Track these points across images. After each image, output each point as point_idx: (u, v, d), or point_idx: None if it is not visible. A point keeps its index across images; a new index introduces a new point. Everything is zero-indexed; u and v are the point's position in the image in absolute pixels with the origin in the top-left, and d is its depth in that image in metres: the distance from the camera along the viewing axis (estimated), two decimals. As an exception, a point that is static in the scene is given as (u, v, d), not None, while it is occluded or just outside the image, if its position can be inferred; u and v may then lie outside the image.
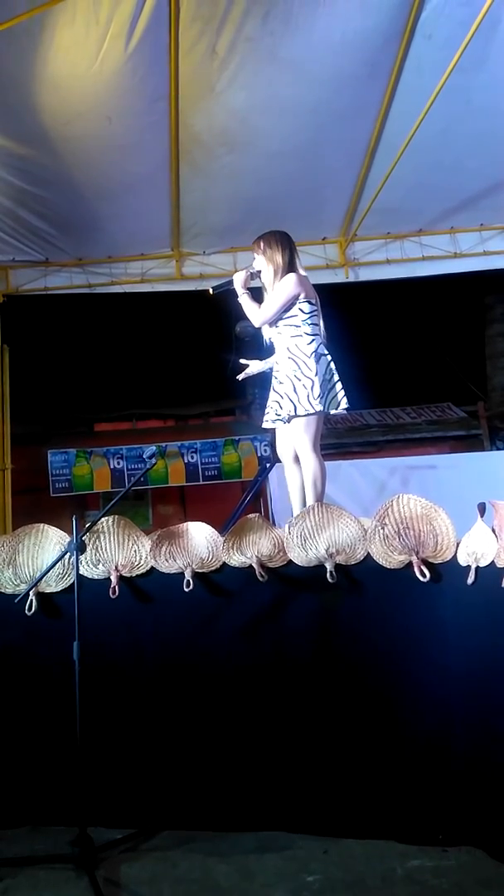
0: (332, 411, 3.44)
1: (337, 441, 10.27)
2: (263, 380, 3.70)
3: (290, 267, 3.48)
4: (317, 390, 3.29)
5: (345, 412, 3.51)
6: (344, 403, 3.42)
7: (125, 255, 6.66)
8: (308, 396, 3.30)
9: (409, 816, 2.71)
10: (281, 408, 3.40)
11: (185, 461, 9.07)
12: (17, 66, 4.26)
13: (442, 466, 7.27)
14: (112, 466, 8.92)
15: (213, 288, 3.62)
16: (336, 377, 3.44)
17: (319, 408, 3.30)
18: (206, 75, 4.61)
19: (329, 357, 3.45)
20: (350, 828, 2.72)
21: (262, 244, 3.53)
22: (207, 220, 6.26)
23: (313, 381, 3.30)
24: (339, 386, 3.43)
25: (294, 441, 3.44)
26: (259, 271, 3.52)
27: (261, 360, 3.71)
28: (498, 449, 9.88)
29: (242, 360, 3.74)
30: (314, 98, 4.85)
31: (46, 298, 6.93)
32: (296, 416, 3.35)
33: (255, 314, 3.47)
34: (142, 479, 8.06)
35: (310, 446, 3.36)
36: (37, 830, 2.85)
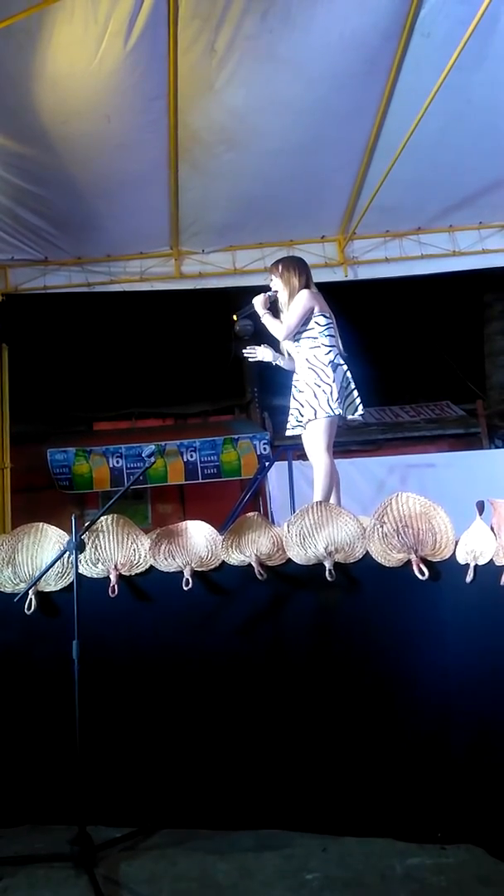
0: (350, 416, 3.65)
1: (336, 439, 10.25)
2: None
3: (305, 286, 3.71)
4: (336, 395, 3.50)
5: (361, 418, 3.73)
6: (360, 409, 3.66)
7: (124, 254, 6.66)
8: (328, 401, 3.50)
9: (407, 814, 2.71)
10: (302, 415, 3.60)
11: (185, 460, 9.06)
12: (15, 65, 4.25)
13: (441, 465, 7.27)
14: (111, 465, 8.91)
15: (237, 315, 3.84)
16: (352, 385, 3.65)
17: (339, 411, 3.51)
18: (204, 73, 4.60)
19: (346, 367, 3.65)
20: (349, 826, 2.72)
21: (279, 267, 3.78)
22: (206, 219, 6.25)
23: (332, 388, 3.52)
24: (355, 393, 3.65)
25: (309, 442, 3.63)
26: (276, 292, 3.75)
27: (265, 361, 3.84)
28: (497, 447, 9.88)
29: (248, 349, 3.81)
30: (313, 96, 4.85)
31: (45, 297, 6.92)
32: (316, 419, 3.54)
33: (279, 329, 3.69)
34: (141, 477, 8.05)
35: (323, 447, 3.57)
36: (36, 829, 2.85)
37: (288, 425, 3.75)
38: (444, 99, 4.60)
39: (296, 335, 3.67)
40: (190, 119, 5.01)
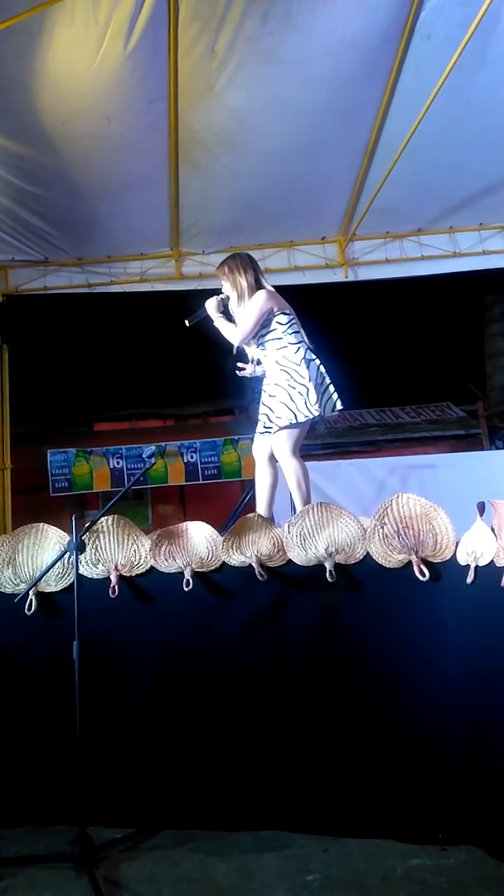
0: (329, 413, 3.47)
1: (336, 440, 10.27)
2: (263, 380, 3.70)
3: (256, 286, 3.50)
4: (313, 395, 3.31)
5: (337, 414, 3.54)
6: (339, 405, 3.46)
7: (124, 255, 6.66)
8: (306, 403, 3.31)
9: (408, 815, 2.71)
10: (270, 420, 3.40)
11: (185, 460, 9.07)
12: (16, 66, 4.25)
13: (441, 466, 7.25)
14: (111, 466, 8.92)
15: (188, 320, 3.64)
16: (328, 380, 3.46)
17: (318, 412, 3.31)
18: (205, 75, 4.61)
19: (318, 361, 3.47)
20: (350, 827, 2.72)
21: (225, 269, 3.55)
22: (207, 220, 6.26)
23: (308, 387, 3.32)
24: (332, 388, 3.45)
25: (275, 445, 3.43)
26: (228, 297, 3.55)
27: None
28: (497, 448, 9.87)
29: (240, 364, 3.75)
30: (313, 98, 4.85)
31: (46, 298, 6.92)
32: (297, 422, 3.34)
33: (232, 334, 3.49)
34: (141, 478, 8.06)
35: (289, 451, 3.37)
36: (37, 830, 2.85)
37: (258, 428, 3.53)
38: (445, 100, 4.60)
39: (259, 340, 3.49)
40: (190, 120, 5.01)
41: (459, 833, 2.63)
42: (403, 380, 11.90)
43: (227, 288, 3.55)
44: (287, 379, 3.37)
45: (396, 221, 6.56)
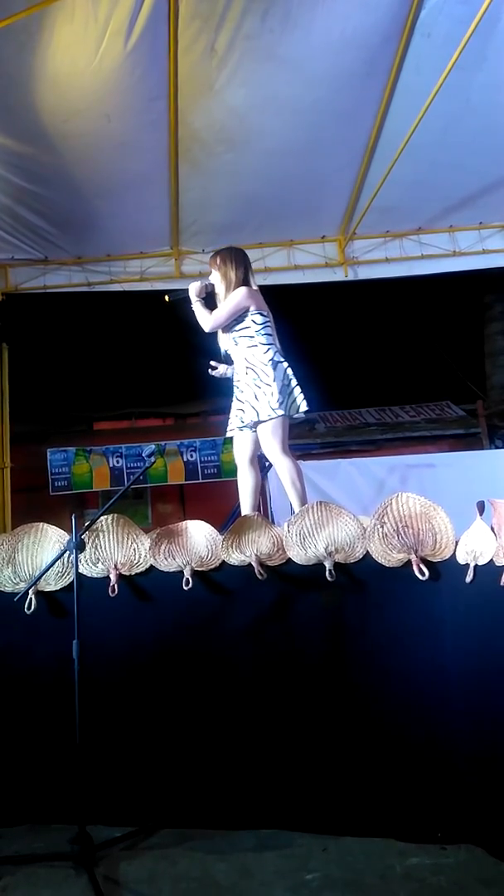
0: (295, 415, 3.53)
1: (336, 439, 10.28)
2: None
3: (243, 282, 3.60)
4: (276, 396, 3.41)
5: (303, 416, 3.60)
6: (304, 407, 3.52)
7: (124, 254, 6.67)
8: (269, 402, 3.41)
9: (407, 814, 2.71)
10: (244, 414, 3.50)
11: (185, 459, 9.08)
12: (16, 64, 4.26)
13: (441, 465, 7.25)
14: (111, 465, 8.92)
15: (168, 294, 3.74)
16: (294, 383, 3.54)
17: (281, 412, 3.40)
18: (204, 73, 4.61)
19: (286, 364, 3.55)
20: (349, 826, 2.72)
21: (217, 260, 3.66)
22: (207, 218, 6.26)
23: (273, 388, 3.42)
24: (297, 391, 3.53)
25: (264, 446, 3.52)
26: (213, 284, 3.64)
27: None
28: (497, 447, 9.88)
29: (213, 363, 3.80)
30: (313, 96, 4.85)
31: (45, 297, 6.93)
32: (259, 421, 3.45)
33: (206, 320, 3.57)
34: (141, 477, 8.06)
35: (279, 449, 3.45)
36: (36, 828, 2.85)
37: (230, 425, 3.62)
38: (445, 99, 4.61)
39: (233, 334, 3.57)
40: (190, 119, 5.01)
41: (459, 832, 2.63)
42: (403, 379, 11.90)
43: (214, 277, 3.66)
44: (254, 378, 3.49)
45: (396, 220, 6.56)
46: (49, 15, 3.95)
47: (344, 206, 6.29)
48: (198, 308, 3.61)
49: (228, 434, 3.65)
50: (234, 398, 3.61)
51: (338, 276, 6.80)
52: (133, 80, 4.55)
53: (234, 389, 3.61)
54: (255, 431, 3.56)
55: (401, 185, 5.67)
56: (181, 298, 3.66)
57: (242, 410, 3.52)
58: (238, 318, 3.55)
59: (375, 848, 2.60)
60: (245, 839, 2.71)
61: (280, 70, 4.60)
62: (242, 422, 3.52)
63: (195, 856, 2.61)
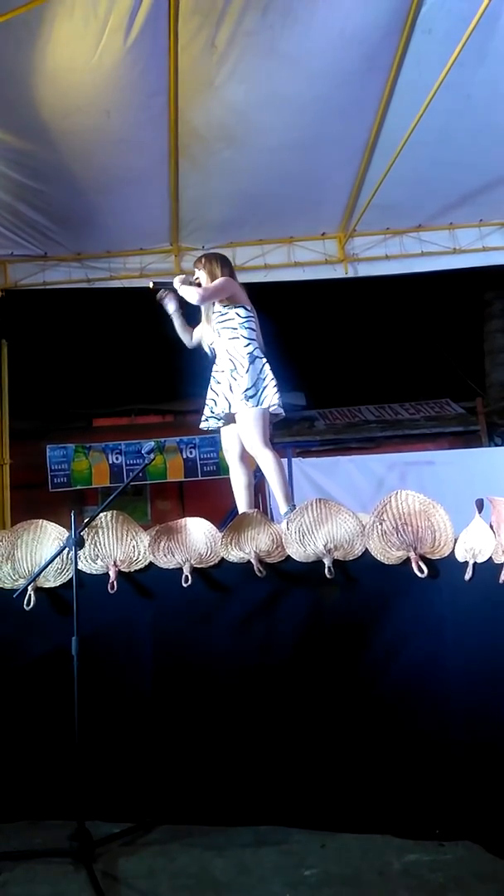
0: (271, 411, 3.57)
1: (335, 437, 10.28)
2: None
3: (230, 277, 3.72)
4: (247, 388, 3.49)
5: (282, 414, 3.65)
6: (277, 408, 3.57)
7: (124, 250, 6.65)
8: (239, 394, 3.51)
9: (405, 811, 2.72)
10: (216, 406, 3.60)
11: (184, 456, 9.08)
12: (15, 60, 4.24)
13: (440, 462, 7.26)
14: (111, 462, 8.92)
15: (154, 282, 3.82)
16: (269, 379, 3.58)
17: (251, 405, 3.48)
18: (204, 69, 4.60)
19: (264, 360, 3.62)
20: (347, 822, 2.73)
21: (203, 260, 3.79)
22: (206, 215, 6.25)
23: (244, 379, 3.52)
24: (271, 388, 3.57)
25: (244, 439, 3.58)
26: (198, 281, 3.72)
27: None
28: (496, 445, 9.88)
29: (154, 281, 3.81)
30: (313, 93, 4.84)
31: (45, 293, 6.91)
32: (230, 413, 3.55)
33: (193, 293, 3.58)
34: (140, 474, 8.05)
35: (260, 441, 3.51)
36: (35, 824, 2.85)
37: (203, 418, 3.71)
38: (445, 96, 4.59)
39: (216, 326, 3.67)
40: (190, 115, 5.00)
41: (457, 828, 2.63)
42: (402, 376, 11.90)
43: (200, 275, 3.75)
44: (231, 370, 3.58)
45: (396, 217, 6.55)
46: (49, 11, 3.94)
47: (344, 203, 6.28)
48: (184, 288, 3.62)
49: (202, 426, 3.73)
50: (209, 388, 3.70)
51: (338, 273, 6.78)
52: (133, 76, 4.54)
53: (211, 380, 3.71)
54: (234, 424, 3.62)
55: (401, 182, 5.65)
56: (166, 285, 3.73)
57: (214, 401, 3.63)
58: (223, 309, 3.65)
59: (373, 844, 2.61)
60: (243, 835, 2.72)
61: (280, 66, 4.59)
62: (212, 412, 3.63)
63: (193, 852, 2.62)
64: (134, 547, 3.05)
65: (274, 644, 2.96)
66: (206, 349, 3.84)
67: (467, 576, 2.72)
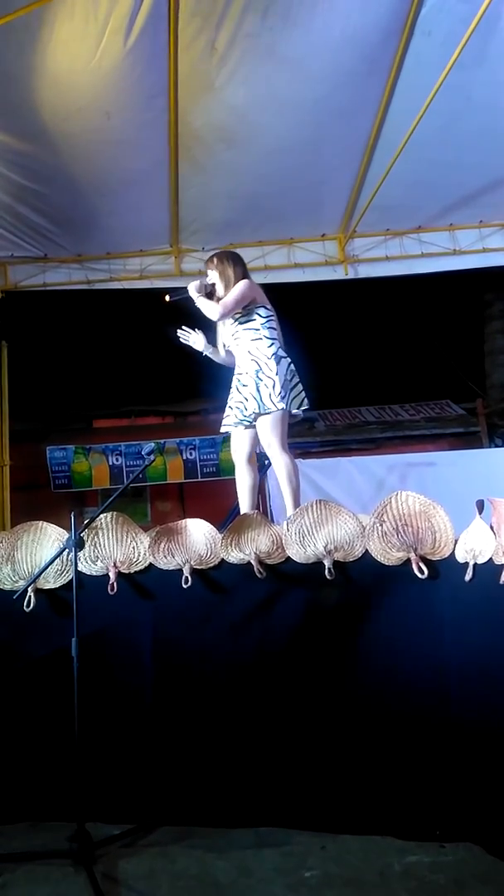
0: (294, 410, 3.53)
1: (335, 438, 10.28)
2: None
3: (243, 277, 3.63)
4: (279, 389, 3.40)
5: (302, 415, 3.61)
6: (305, 405, 3.54)
7: (124, 252, 6.66)
8: (270, 395, 3.41)
9: (406, 812, 2.71)
10: (246, 409, 3.49)
11: (184, 458, 9.08)
12: (15, 62, 4.25)
13: (440, 463, 7.25)
14: (111, 463, 8.93)
15: (169, 296, 3.72)
16: (296, 379, 3.54)
17: (282, 405, 3.40)
18: (205, 71, 4.60)
19: (289, 360, 3.56)
20: (348, 824, 2.72)
21: (214, 260, 3.70)
22: (207, 217, 6.26)
23: (275, 381, 3.42)
24: (299, 388, 3.54)
25: (263, 440, 3.51)
26: (213, 283, 3.65)
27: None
28: (496, 446, 9.88)
29: (185, 328, 3.70)
30: (313, 94, 4.85)
31: (45, 295, 6.92)
32: (260, 413, 3.44)
33: (213, 309, 3.54)
34: (140, 475, 8.06)
35: (278, 445, 3.44)
36: (35, 826, 2.85)
37: (227, 420, 3.59)
38: (445, 97, 4.61)
39: (235, 328, 3.57)
40: (190, 117, 5.01)
41: (458, 830, 2.63)
42: (403, 377, 11.90)
43: (213, 276, 3.66)
44: (257, 370, 3.48)
45: (396, 219, 6.56)
46: (49, 12, 3.95)
47: (344, 205, 6.29)
48: (201, 302, 3.58)
49: (224, 429, 3.63)
50: (233, 390, 3.60)
51: (338, 274, 6.79)
52: (133, 78, 4.54)
53: (235, 382, 3.60)
54: (253, 428, 3.54)
55: (401, 183, 5.66)
56: (182, 298, 3.65)
57: (243, 403, 3.50)
58: (243, 311, 3.56)
59: (374, 846, 2.60)
60: (244, 837, 2.71)
61: (280, 68, 4.60)
62: (244, 415, 3.51)
63: (194, 853, 2.61)
64: (134, 548, 3.04)
65: (274, 645, 2.96)
66: (221, 351, 3.73)
67: (468, 577, 2.72)
